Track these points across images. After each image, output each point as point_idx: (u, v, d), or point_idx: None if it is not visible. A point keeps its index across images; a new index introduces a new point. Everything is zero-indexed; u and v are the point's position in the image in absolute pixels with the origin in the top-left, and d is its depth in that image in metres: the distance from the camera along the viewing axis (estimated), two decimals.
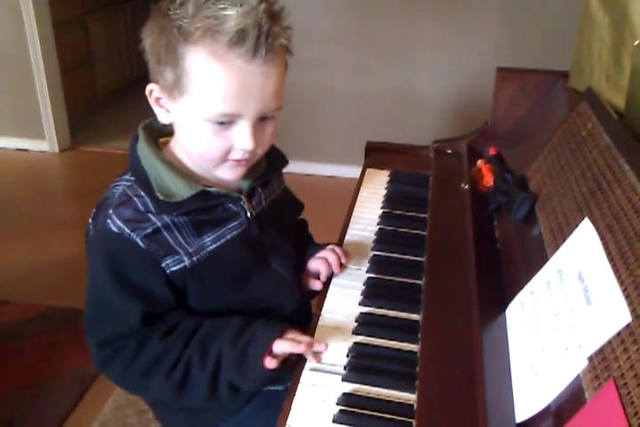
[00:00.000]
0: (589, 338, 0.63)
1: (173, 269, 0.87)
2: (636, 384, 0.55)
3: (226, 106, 0.82)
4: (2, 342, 1.91)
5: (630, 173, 0.76)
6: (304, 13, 2.67)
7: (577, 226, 0.77)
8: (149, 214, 0.86)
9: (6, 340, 1.92)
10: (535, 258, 0.86)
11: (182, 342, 0.87)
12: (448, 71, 2.84)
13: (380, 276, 1.04)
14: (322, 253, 1.05)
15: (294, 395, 0.80)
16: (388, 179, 1.37)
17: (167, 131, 0.94)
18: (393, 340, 0.89)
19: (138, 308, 0.86)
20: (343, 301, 0.98)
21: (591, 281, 0.68)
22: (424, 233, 1.14)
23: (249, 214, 0.94)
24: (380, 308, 0.96)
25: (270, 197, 1.01)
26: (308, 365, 0.85)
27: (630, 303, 0.61)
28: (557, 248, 0.78)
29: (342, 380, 0.82)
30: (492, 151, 1.20)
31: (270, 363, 0.82)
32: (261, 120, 0.86)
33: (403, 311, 0.95)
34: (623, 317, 0.60)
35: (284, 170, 1.06)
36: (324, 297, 0.99)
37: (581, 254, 0.73)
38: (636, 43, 0.97)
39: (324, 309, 0.96)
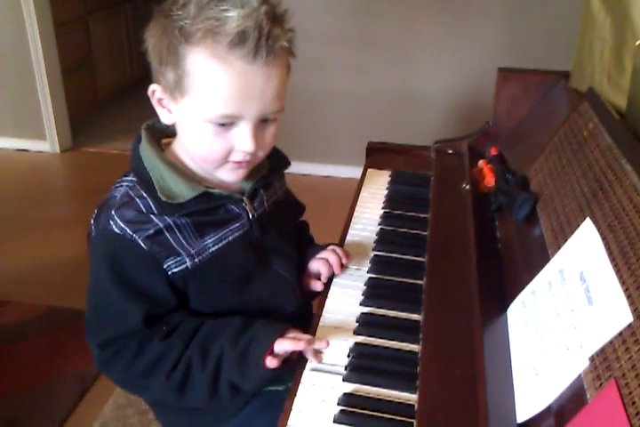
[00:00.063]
0: (591, 338, 0.63)
1: (175, 270, 0.87)
2: (637, 384, 0.54)
3: (226, 107, 0.82)
4: (2, 343, 1.91)
5: (632, 173, 0.76)
6: (304, 14, 2.66)
7: (578, 226, 0.77)
8: (151, 216, 0.86)
9: (7, 340, 1.92)
10: (536, 258, 0.86)
11: (183, 343, 0.87)
12: (449, 71, 2.84)
13: (380, 276, 1.04)
14: (322, 254, 1.05)
15: (295, 395, 0.80)
16: (388, 179, 1.37)
17: (170, 132, 0.94)
18: (394, 340, 0.89)
19: (139, 309, 0.86)
20: (344, 301, 0.98)
21: (593, 281, 0.68)
22: (425, 233, 1.14)
23: (251, 216, 0.94)
24: (381, 308, 0.96)
25: (272, 198, 1.01)
26: (308, 365, 0.85)
27: (632, 303, 0.61)
28: (559, 248, 0.78)
29: (343, 380, 0.82)
30: (493, 151, 1.20)
31: (271, 363, 0.82)
32: (263, 122, 0.86)
33: (404, 311, 0.95)
34: (625, 317, 0.60)
35: (285, 171, 1.06)
36: (325, 297, 0.99)
37: (583, 254, 0.73)
38: (638, 43, 0.97)
39: (324, 309, 0.96)
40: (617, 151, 0.82)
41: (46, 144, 3.31)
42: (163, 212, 0.86)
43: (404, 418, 0.76)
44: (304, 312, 1.04)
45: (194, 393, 0.88)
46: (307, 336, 0.86)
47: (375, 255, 1.09)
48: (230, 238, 0.92)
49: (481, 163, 1.20)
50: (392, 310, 0.95)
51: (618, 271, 0.65)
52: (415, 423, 0.74)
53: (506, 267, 0.94)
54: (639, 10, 1.02)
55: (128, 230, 0.84)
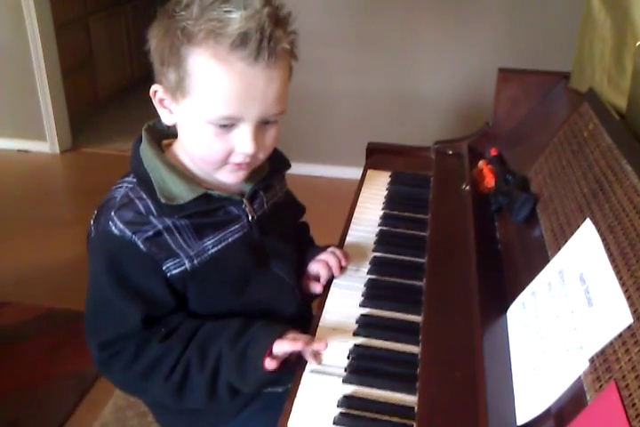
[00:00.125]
0: (591, 339, 0.63)
1: (174, 272, 0.87)
2: (637, 386, 0.54)
3: (227, 108, 0.81)
4: (2, 343, 1.91)
5: (632, 173, 0.76)
6: (304, 14, 2.65)
7: (578, 227, 0.77)
8: (151, 217, 0.86)
9: (7, 341, 1.92)
10: (536, 259, 0.85)
11: (182, 345, 0.87)
12: (449, 72, 2.84)
13: (380, 277, 1.03)
14: (322, 256, 1.05)
15: (295, 397, 0.80)
16: (388, 180, 1.37)
17: (170, 133, 0.94)
18: (393, 341, 0.89)
19: (138, 310, 0.86)
20: (344, 302, 0.98)
21: (592, 282, 0.68)
22: (425, 234, 1.14)
23: (250, 218, 0.94)
24: (381, 309, 0.96)
25: (272, 200, 1.00)
26: (308, 367, 0.84)
27: (632, 304, 0.60)
28: (559, 249, 0.78)
29: (343, 382, 0.82)
30: (493, 152, 1.20)
31: (270, 364, 0.82)
32: (263, 124, 0.86)
33: (403, 313, 0.95)
34: (625, 318, 0.60)
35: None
36: (325, 298, 0.99)
37: (583, 255, 0.73)
38: (638, 44, 0.97)
39: (324, 310, 0.96)
40: (617, 152, 0.82)
41: (46, 145, 3.32)
42: (162, 213, 0.86)
43: (403, 420, 0.76)
44: (303, 314, 1.04)
45: (192, 395, 0.88)
46: (305, 337, 0.86)
47: (375, 256, 1.09)
48: (230, 240, 0.91)
49: (481, 163, 1.20)
50: (392, 311, 0.95)
51: (618, 272, 0.65)
52: (415, 425, 0.74)
53: (506, 268, 0.94)
54: (639, 10, 1.02)
55: (127, 231, 0.84)
